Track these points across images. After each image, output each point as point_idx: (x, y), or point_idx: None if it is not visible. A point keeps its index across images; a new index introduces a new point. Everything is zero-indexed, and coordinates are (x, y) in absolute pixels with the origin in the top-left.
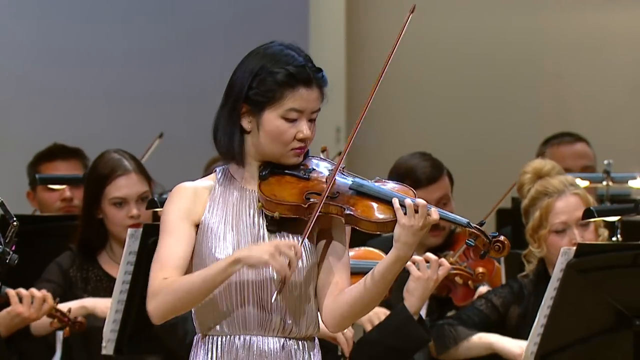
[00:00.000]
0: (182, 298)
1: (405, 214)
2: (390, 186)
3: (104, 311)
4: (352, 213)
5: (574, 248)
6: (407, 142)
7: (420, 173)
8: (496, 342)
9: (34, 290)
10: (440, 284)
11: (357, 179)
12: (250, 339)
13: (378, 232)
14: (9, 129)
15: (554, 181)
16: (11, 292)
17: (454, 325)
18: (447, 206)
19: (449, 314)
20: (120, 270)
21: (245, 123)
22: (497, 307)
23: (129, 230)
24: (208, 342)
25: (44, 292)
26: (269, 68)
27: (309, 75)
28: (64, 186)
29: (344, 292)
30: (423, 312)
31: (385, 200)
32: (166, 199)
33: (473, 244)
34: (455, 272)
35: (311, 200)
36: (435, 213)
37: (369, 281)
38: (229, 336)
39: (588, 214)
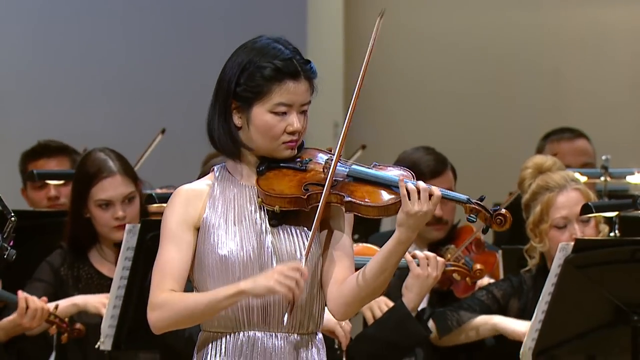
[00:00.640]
0: (185, 317)
1: (409, 199)
2: (388, 170)
3: (96, 308)
4: (351, 200)
5: (572, 243)
6: (406, 137)
7: (424, 167)
8: (500, 323)
9: (37, 301)
10: (441, 279)
11: (354, 166)
12: (254, 335)
13: (379, 217)
14: (8, 125)
15: (555, 176)
16: (22, 302)
17: (456, 310)
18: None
19: None
20: (118, 266)
21: (236, 119)
22: (498, 299)
23: (127, 226)
24: (213, 339)
25: (43, 301)
26: (256, 63)
27: (296, 68)
28: (61, 182)
29: (348, 280)
30: (424, 304)
31: (384, 185)
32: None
33: (475, 220)
34: (453, 268)
35: (310, 190)
36: (436, 190)
37: (372, 267)
38: (233, 333)
39: (586, 209)
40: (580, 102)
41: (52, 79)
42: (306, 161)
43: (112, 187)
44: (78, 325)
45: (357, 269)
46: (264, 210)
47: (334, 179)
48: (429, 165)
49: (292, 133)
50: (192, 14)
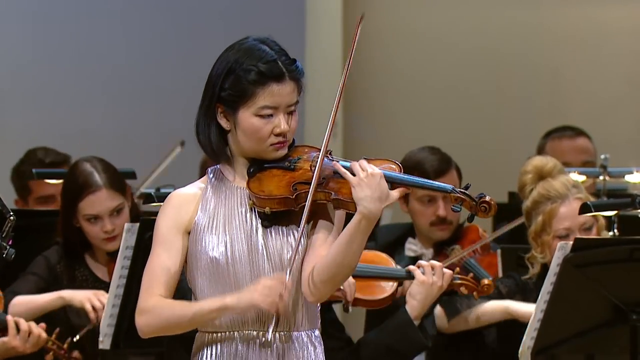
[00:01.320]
0: (171, 325)
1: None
2: (375, 164)
3: (81, 302)
4: (338, 197)
5: (571, 243)
6: (406, 136)
7: (428, 166)
8: (511, 306)
9: (32, 324)
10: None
11: (341, 162)
12: (249, 334)
13: None
14: (6, 124)
15: (557, 184)
16: (10, 322)
17: (465, 297)
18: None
19: None
20: (117, 264)
21: (224, 122)
22: (503, 295)
23: (126, 225)
24: (208, 340)
25: (42, 327)
26: (240, 67)
27: (280, 70)
28: (60, 181)
29: (318, 264)
30: None
31: None
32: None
33: (459, 209)
34: (460, 282)
35: (298, 190)
36: (376, 169)
37: (338, 243)
38: (228, 332)
39: (585, 209)
40: (579, 101)
41: (51, 77)
42: (295, 160)
43: (98, 203)
44: (75, 354)
45: (363, 277)
46: (255, 211)
47: (322, 176)
48: (433, 165)
49: (279, 135)
50: (191, 12)
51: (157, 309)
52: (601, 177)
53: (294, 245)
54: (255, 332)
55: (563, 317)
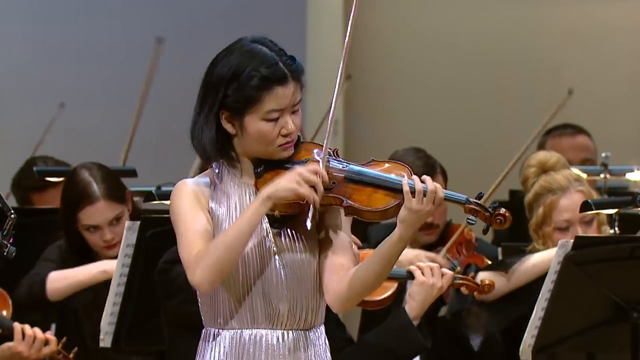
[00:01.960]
0: (224, 254)
1: (413, 197)
2: (385, 166)
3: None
4: (352, 204)
5: (572, 241)
6: (404, 134)
7: (413, 170)
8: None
9: (37, 330)
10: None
11: (351, 166)
12: (258, 333)
13: (378, 220)
14: (6, 124)
15: (558, 177)
16: (17, 327)
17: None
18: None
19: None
20: (118, 263)
21: (229, 127)
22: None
23: (127, 223)
24: (216, 337)
25: (48, 334)
26: (242, 72)
27: (283, 73)
28: (61, 179)
29: (347, 274)
30: None
31: (384, 187)
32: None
33: (474, 222)
34: (461, 282)
35: None
36: (440, 191)
37: (369, 263)
38: (237, 330)
39: (586, 206)
40: (579, 99)
41: (51, 77)
42: (303, 162)
43: (97, 214)
44: None
45: None
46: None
47: (332, 181)
48: (419, 171)
49: (286, 135)
50: (191, 12)
51: (202, 256)
52: (602, 175)
53: (304, 250)
54: (263, 331)
55: (564, 315)
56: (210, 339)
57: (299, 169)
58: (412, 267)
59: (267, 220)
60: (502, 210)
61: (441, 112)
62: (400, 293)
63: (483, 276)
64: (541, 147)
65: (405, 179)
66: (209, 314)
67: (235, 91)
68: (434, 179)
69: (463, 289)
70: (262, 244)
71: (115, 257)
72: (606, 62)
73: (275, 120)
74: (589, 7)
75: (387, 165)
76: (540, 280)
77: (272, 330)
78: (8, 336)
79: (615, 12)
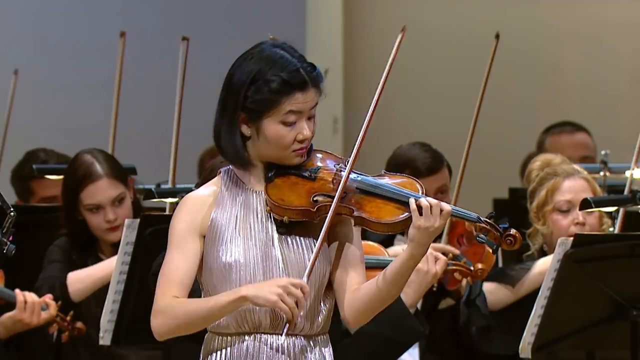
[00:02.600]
0: (186, 323)
1: (421, 214)
2: (395, 180)
3: None
4: (361, 215)
5: (571, 239)
6: (405, 132)
7: (420, 164)
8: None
9: (34, 296)
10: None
11: (364, 177)
12: (260, 337)
13: (387, 233)
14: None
15: (564, 165)
16: (19, 297)
17: (507, 267)
18: (444, 196)
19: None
20: (117, 260)
21: (244, 129)
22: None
23: (126, 221)
24: (219, 340)
25: (47, 297)
26: (263, 75)
27: (303, 79)
28: (60, 177)
29: (360, 289)
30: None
31: (395, 200)
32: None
33: (485, 241)
34: (454, 267)
35: (319, 202)
36: (447, 207)
37: (382, 279)
38: (240, 335)
39: (585, 204)
40: (579, 97)
41: (52, 74)
42: (315, 169)
43: (99, 192)
44: (79, 324)
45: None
46: (271, 218)
47: (344, 191)
48: (425, 163)
49: (302, 141)
50: (191, 11)
51: (170, 307)
52: (601, 173)
53: (311, 257)
54: (267, 336)
55: (563, 313)
56: (213, 344)
57: (284, 282)
58: None
59: (274, 225)
60: (512, 231)
61: (441, 108)
62: None
63: (487, 287)
64: (540, 144)
65: (412, 200)
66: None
67: (254, 93)
68: (440, 172)
69: (457, 275)
70: (268, 249)
71: (117, 244)
72: (606, 59)
73: (292, 124)
74: (589, 4)
75: (398, 179)
76: None
77: (275, 336)
78: (4, 306)
79: (615, 10)
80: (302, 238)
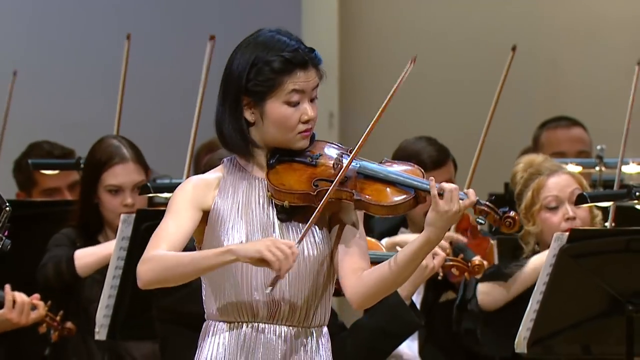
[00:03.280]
0: (171, 271)
1: (442, 198)
2: (398, 167)
3: None
4: (361, 198)
5: (567, 234)
6: (402, 127)
7: (426, 157)
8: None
9: (24, 296)
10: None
11: (364, 162)
12: (258, 327)
13: (388, 216)
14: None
15: (546, 163)
16: (8, 295)
17: (502, 266)
18: None
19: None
20: (113, 255)
21: (248, 115)
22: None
23: (122, 216)
24: (217, 328)
25: (35, 298)
26: (264, 57)
27: (303, 58)
28: (56, 171)
29: (369, 272)
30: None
31: (396, 183)
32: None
33: (484, 222)
34: (451, 263)
35: (319, 187)
36: (472, 195)
37: (396, 262)
38: (237, 323)
39: (581, 199)
40: (576, 92)
41: (50, 69)
42: (317, 156)
43: (124, 173)
44: (69, 324)
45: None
46: (272, 203)
47: (345, 175)
48: (431, 156)
49: (306, 122)
50: (187, 4)
51: (159, 255)
52: (597, 168)
53: (311, 245)
54: (264, 325)
55: (559, 308)
56: (211, 332)
57: (273, 239)
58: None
59: (275, 211)
60: (512, 214)
61: (437, 103)
62: None
63: (481, 288)
64: (536, 139)
65: (433, 181)
66: (211, 305)
67: (256, 75)
68: (445, 165)
69: (454, 270)
70: (269, 235)
71: None
72: (603, 54)
73: (296, 104)
74: (587, 0)
75: (399, 166)
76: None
77: (272, 325)
78: None
79: (612, 4)
80: (302, 224)
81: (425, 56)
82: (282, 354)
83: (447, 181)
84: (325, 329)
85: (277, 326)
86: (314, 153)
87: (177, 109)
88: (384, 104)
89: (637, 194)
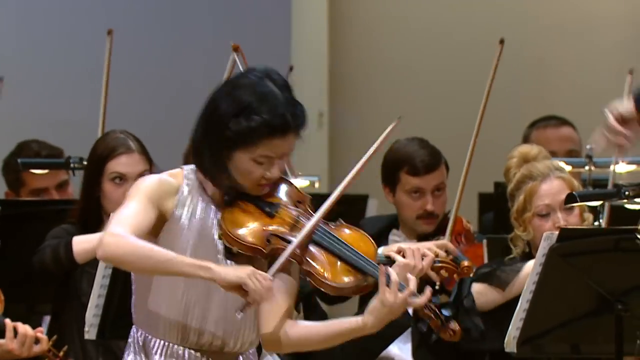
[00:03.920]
0: (137, 260)
1: (389, 287)
2: (353, 236)
3: None
4: (309, 269)
5: (557, 233)
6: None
7: (418, 161)
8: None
9: (28, 328)
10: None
11: (320, 231)
12: (196, 355)
13: (331, 294)
14: None
15: (539, 165)
16: (9, 325)
17: (497, 268)
18: (441, 193)
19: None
20: None
21: None
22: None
23: (112, 215)
24: (147, 342)
25: (39, 331)
26: (248, 111)
27: (287, 125)
28: (45, 171)
29: (297, 328)
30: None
31: (347, 262)
32: None
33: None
34: (440, 265)
35: (272, 244)
36: (424, 297)
37: (325, 331)
38: (178, 346)
39: (570, 198)
40: (565, 91)
41: (38, 66)
42: (277, 206)
43: (129, 163)
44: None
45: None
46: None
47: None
48: (424, 161)
49: (268, 179)
50: (175, 6)
51: (133, 240)
52: (587, 167)
53: None
54: (191, 351)
55: (549, 307)
56: (141, 343)
57: (253, 269)
58: (391, 252)
59: (223, 248)
60: (453, 326)
61: (426, 102)
62: None
63: (476, 288)
64: (526, 138)
65: (382, 269)
66: (144, 316)
67: (235, 125)
68: (438, 170)
69: (443, 272)
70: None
71: None
72: (592, 52)
73: (263, 164)
74: None
75: (353, 232)
76: None
77: (198, 352)
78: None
79: (601, 3)
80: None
81: (414, 54)
82: None
83: (439, 185)
84: (253, 350)
85: (203, 354)
86: (275, 200)
87: (165, 106)
88: (358, 166)
89: (627, 193)
